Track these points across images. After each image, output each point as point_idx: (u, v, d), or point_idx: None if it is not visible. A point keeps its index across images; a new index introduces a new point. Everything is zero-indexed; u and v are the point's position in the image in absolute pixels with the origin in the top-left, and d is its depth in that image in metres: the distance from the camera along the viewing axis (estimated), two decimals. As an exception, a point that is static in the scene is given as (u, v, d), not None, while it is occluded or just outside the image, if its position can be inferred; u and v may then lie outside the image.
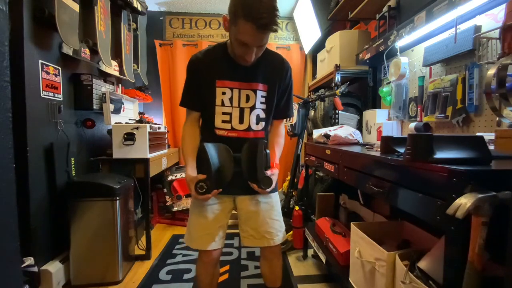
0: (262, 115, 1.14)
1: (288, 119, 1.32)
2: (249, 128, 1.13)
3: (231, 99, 1.10)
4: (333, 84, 2.16)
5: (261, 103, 1.13)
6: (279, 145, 1.20)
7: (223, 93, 1.09)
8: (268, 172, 1.05)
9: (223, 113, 1.10)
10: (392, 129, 1.76)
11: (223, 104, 1.10)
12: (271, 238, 1.17)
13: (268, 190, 1.05)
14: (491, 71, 0.93)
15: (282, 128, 1.24)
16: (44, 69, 1.64)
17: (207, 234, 1.14)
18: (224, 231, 1.19)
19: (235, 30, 0.94)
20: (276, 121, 1.22)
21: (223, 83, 1.08)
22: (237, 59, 1.05)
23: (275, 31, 0.93)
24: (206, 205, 1.13)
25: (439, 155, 0.73)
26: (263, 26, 0.90)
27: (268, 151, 1.05)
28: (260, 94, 1.12)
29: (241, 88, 1.10)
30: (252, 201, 1.16)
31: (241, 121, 1.12)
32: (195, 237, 1.14)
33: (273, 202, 1.20)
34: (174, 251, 2.23)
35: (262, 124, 1.16)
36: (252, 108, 1.11)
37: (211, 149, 1.06)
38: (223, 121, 1.11)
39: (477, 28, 1.22)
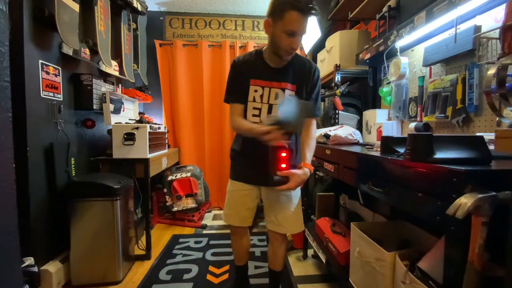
0: None
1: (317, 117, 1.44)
2: None
3: (261, 96, 1.27)
4: (333, 84, 2.16)
5: None
6: (310, 147, 1.28)
7: (255, 91, 1.27)
8: (278, 174, 1.14)
9: (254, 108, 1.28)
10: (392, 129, 1.76)
11: (254, 100, 1.28)
12: (287, 226, 1.36)
13: (284, 187, 1.14)
14: (491, 71, 0.93)
15: (313, 128, 1.33)
16: (44, 69, 1.64)
17: (235, 213, 1.40)
18: (252, 213, 1.42)
19: (281, 24, 1.10)
20: (307, 120, 1.32)
21: (256, 82, 1.27)
22: (283, 54, 1.19)
23: (317, 15, 1.13)
24: (236, 190, 1.39)
25: (439, 155, 0.73)
26: (307, 11, 1.09)
27: (284, 154, 1.14)
28: (288, 92, 1.27)
29: (271, 87, 1.27)
30: (274, 192, 1.33)
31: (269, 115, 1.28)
32: (225, 213, 1.43)
33: (292, 196, 1.36)
34: (174, 251, 2.23)
35: None
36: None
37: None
38: (253, 115, 1.29)
39: (477, 28, 1.22)
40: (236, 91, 1.30)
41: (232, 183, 1.42)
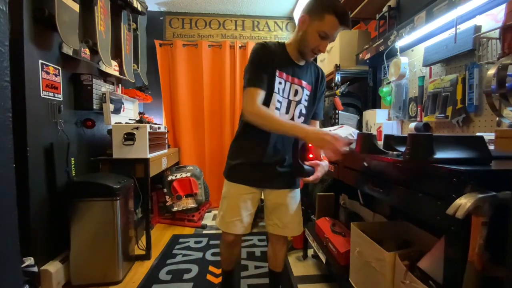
0: (304, 110, 1.27)
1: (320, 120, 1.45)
2: (292, 119, 1.25)
3: (283, 90, 1.22)
4: (333, 84, 2.16)
5: (305, 100, 1.27)
6: None
7: (280, 83, 1.20)
8: (306, 164, 1.15)
9: (277, 101, 1.21)
10: (392, 129, 1.76)
11: (278, 92, 1.20)
12: (293, 228, 1.34)
13: (310, 179, 1.15)
14: (491, 71, 0.93)
15: (317, 125, 1.40)
16: (44, 69, 1.64)
17: (238, 220, 1.28)
18: (252, 218, 1.33)
19: (319, 24, 1.10)
20: (313, 121, 1.38)
21: (282, 74, 1.20)
22: (307, 52, 1.18)
23: (350, 28, 1.22)
24: (239, 194, 1.27)
25: (439, 155, 0.73)
26: (345, 22, 1.10)
27: (311, 145, 1.15)
28: (306, 92, 1.26)
29: (292, 83, 1.23)
30: (281, 194, 1.31)
31: (287, 111, 1.24)
32: (227, 222, 1.29)
33: (297, 197, 1.36)
34: (174, 251, 2.23)
35: (302, 118, 1.28)
36: (298, 102, 1.25)
37: None
38: (276, 108, 1.22)
39: (477, 28, 1.22)
40: (263, 77, 1.17)
41: (232, 186, 1.28)
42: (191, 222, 2.82)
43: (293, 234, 1.36)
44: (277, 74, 1.19)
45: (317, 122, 1.40)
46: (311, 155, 1.17)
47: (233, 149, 1.32)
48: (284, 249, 1.43)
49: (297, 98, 1.25)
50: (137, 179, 2.05)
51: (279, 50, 1.22)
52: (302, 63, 1.25)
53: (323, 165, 1.18)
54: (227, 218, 1.30)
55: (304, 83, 1.25)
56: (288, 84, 1.22)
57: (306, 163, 1.15)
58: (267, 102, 1.19)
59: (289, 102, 1.24)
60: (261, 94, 1.15)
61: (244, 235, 1.34)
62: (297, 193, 1.36)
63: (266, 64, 1.17)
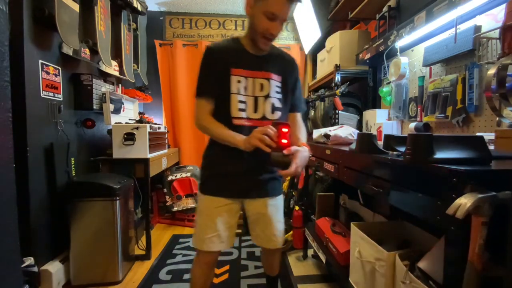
0: (278, 104, 1.16)
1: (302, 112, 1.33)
2: (264, 117, 1.14)
3: (246, 88, 1.11)
4: (333, 84, 2.15)
5: (277, 92, 1.15)
6: (301, 131, 1.21)
7: (238, 81, 1.10)
8: (284, 152, 0.98)
9: (240, 102, 1.10)
10: (392, 129, 1.76)
11: (238, 92, 1.10)
12: (277, 240, 1.23)
13: (288, 172, 0.97)
14: (491, 71, 0.93)
15: (300, 120, 1.27)
16: (44, 69, 1.64)
17: (215, 236, 1.14)
18: (233, 231, 1.21)
19: (263, 4, 1.00)
20: (292, 114, 1.26)
21: (238, 71, 1.10)
22: (258, 39, 1.06)
23: (300, 1, 1.04)
24: (214, 208, 1.14)
25: (439, 155, 0.73)
26: None
27: (285, 130, 0.98)
28: (275, 84, 1.15)
29: (255, 77, 1.12)
30: (261, 204, 1.19)
31: (255, 109, 1.13)
32: (203, 239, 1.14)
33: (279, 204, 1.25)
34: (174, 251, 2.23)
35: (278, 113, 1.16)
36: (267, 96, 1.13)
37: None
38: (240, 110, 1.11)
39: (477, 28, 1.22)
40: (211, 83, 1.10)
41: (207, 199, 1.15)
42: (191, 222, 2.82)
43: (276, 246, 1.23)
44: (231, 73, 1.09)
45: (298, 115, 1.27)
46: (284, 141, 0.97)
47: (206, 159, 1.20)
48: (276, 256, 1.35)
49: (264, 93, 1.13)
50: (137, 179, 2.05)
51: (233, 46, 1.12)
52: (263, 53, 1.13)
53: (302, 152, 1.01)
54: (203, 235, 1.14)
55: (271, 74, 1.13)
56: (250, 80, 1.11)
57: (285, 151, 0.97)
58: (226, 107, 1.10)
59: (256, 99, 1.12)
60: (208, 104, 1.11)
61: (222, 252, 1.21)
62: (279, 200, 1.24)
63: (214, 68, 1.09)
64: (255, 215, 1.21)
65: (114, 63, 2.34)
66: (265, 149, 0.95)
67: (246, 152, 1.04)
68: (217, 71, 1.09)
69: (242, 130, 1.10)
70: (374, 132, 1.87)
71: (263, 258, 1.40)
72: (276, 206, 1.23)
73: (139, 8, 2.66)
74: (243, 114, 1.11)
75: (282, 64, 1.18)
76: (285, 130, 0.98)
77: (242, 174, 1.14)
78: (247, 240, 2.43)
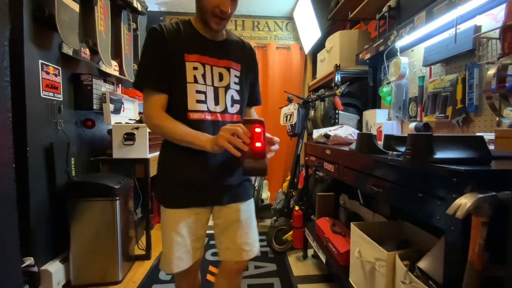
0: (236, 96, 1.02)
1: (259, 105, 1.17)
2: (225, 111, 0.99)
3: (204, 76, 0.94)
4: (333, 84, 2.16)
5: (235, 83, 1.01)
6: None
7: (195, 68, 0.93)
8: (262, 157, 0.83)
9: (197, 92, 0.93)
10: (392, 129, 1.76)
11: (196, 81, 0.93)
12: (250, 249, 1.05)
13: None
14: (491, 71, 0.94)
15: (256, 114, 1.16)
16: (44, 69, 1.64)
17: (186, 252, 0.99)
18: (203, 241, 1.06)
19: None
20: (249, 109, 1.13)
21: (194, 57, 0.93)
22: (209, 19, 0.90)
23: None
24: (180, 222, 0.97)
25: (439, 155, 0.73)
26: None
27: (258, 130, 0.82)
28: (234, 73, 1.01)
29: (213, 65, 0.97)
30: (233, 210, 1.04)
31: (216, 101, 0.97)
32: (170, 261, 0.97)
33: (252, 209, 1.10)
34: (174, 251, 2.23)
35: (237, 107, 1.03)
36: (227, 87, 0.99)
37: None
38: (198, 101, 0.93)
39: (477, 28, 1.22)
40: (161, 70, 0.91)
41: (171, 212, 0.98)
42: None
43: (249, 257, 1.05)
44: (186, 59, 0.92)
45: (253, 109, 1.15)
46: (258, 144, 0.81)
47: (163, 165, 1.01)
48: (239, 280, 1.12)
49: (223, 83, 0.98)
50: (137, 179, 2.05)
51: (184, 29, 0.95)
52: (220, 38, 0.99)
53: (274, 145, 0.90)
54: (170, 255, 0.97)
55: (231, 63, 1.00)
56: (208, 67, 0.95)
57: (268, 155, 0.85)
58: (182, 99, 0.92)
59: (216, 90, 0.97)
60: (159, 97, 0.92)
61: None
62: (250, 205, 1.09)
63: (164, 51, 0.90)
64: (226, 223, 1.04)
65: (114, 63, 2.34)
66: (235, 153, 0.79)
67: (209, 154, 0.90)
68: (167, 55, 0.91)
69: (202, 125, 0.94)
70: (374, 132, 1.87)
71: (219, 284, 1.12)
72: (249, 211, 1.08)
73: (139, 8, 2.66)
74: (203, 107, 0.94)
75: (242, 53, 1.04)
76: (258, 130, 0.81)
77: (210, 180, 0.97)
78: (247, 240, 2.43)
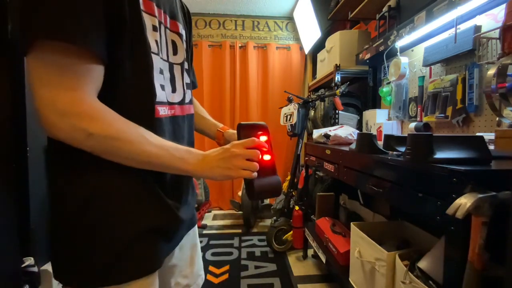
0: (187, 79, 0.71)
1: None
2: (183, 101, 0.67)
3: (159, 44, 0.58)
4: (333, 84, 2.16)
5: (185, 58, 0.70)
6: (203, 108, 0.90)
7: (154, 29, 0.56)
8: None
9: (159, 71, 0.58)
10: (392, 129, 1.76)
11: (158, 52, 0.58)
12: (202, 274, 0.83)
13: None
14: (491, 71, 0.94)
15: (201, 107, 0.91)
16: (44, 69, 1.64)
17: None
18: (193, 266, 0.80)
19: None
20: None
21: (151, 5, 0.55)
22: None
23: None
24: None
25: (439, 155, 0.73)
26: None
27: (264, 138, 0.63)
28: (183, 44, 0.69)
29: (167, 27, 0.62)
30: (193, 234, 0.80)
31: (173, 87, 0.64)
32: None
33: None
34: (174, 251, 2.23)
35: (189, 94, 0.72)
36: (182, 64, 0.68)
37: None
38: (161, 87, 0.59)
39: (477, 28, 1.22)
40: (97, 24, 0.46)
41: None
42: (191, 222, 2.81)
43: (203, 280, 0.82)
44: (142, 7, 0.53)
45: (196, 101, 0.88)
46: (267, 157, 0.62)
47: (97, 210, 0.51)
48: None
49: (178, 59, 0.66)
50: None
51: None
52: None
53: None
54: None
55: (180, 27, 0.67)
56: (163, 29, 0.60)
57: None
58: (145, 80, 0.54)
59: (171, 67, 0.64)
60: (92, 70, 0.47)
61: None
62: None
63: None
64: (189, 252, 0.77)
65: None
66: (251, 177, 0.58)
67: (169, 174, 0.60)
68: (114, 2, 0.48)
69: (162, 127, 0.58)
70: (374, 132, 1.87)
71: None
72: (197, 232, 0.84)
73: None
74: (163, 95, 0.59)
75: (182, 11, 0.74)
76: (264, 138, 0.62)
77: (179, 213, 0.63)
78: (247, 240, 2.43)
